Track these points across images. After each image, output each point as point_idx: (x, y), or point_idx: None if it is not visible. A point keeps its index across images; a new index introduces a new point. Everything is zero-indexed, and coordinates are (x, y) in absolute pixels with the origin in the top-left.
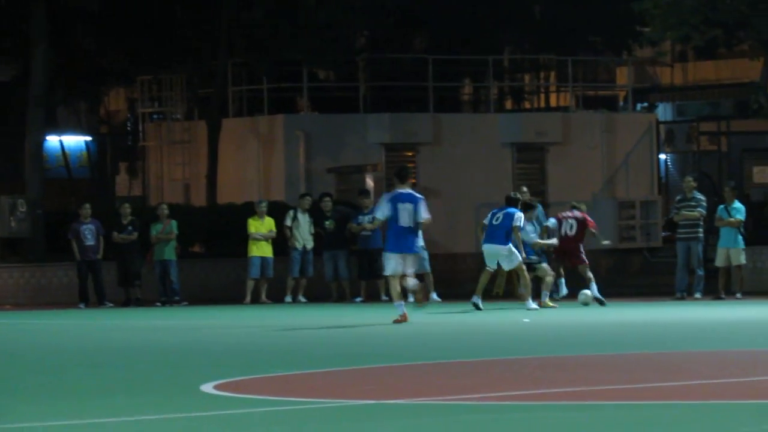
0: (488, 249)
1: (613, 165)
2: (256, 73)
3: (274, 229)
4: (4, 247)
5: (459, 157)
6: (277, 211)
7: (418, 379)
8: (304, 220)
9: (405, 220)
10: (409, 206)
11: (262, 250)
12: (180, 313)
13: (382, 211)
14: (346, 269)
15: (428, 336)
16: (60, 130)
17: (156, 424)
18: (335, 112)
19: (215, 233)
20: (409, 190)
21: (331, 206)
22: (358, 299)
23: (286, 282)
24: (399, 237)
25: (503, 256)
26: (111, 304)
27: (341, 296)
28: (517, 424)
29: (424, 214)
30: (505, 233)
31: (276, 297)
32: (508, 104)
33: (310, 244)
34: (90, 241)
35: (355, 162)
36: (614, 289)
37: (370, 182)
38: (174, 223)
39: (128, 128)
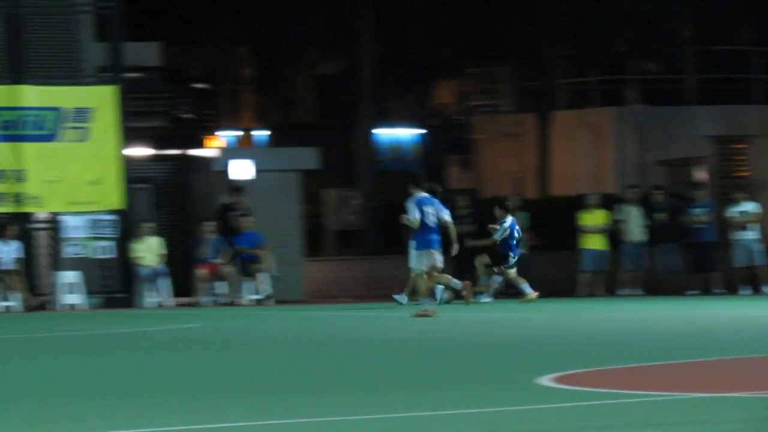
0: None
1: None
2: (584, 65)
3: (606, 222)
4: (337, 239)
5: None
6: (610, 203)
7: (750, 373)
8: (635, 213)
9: (430, 220)
10: (431, 208)
11: (594, 242)
12: (516, 307)
13: (414, 214)
14: (679, 262)
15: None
16: (390, 122)
17: (489, 417)
18: (663, 104)
19: (548, 225)
20: (427, 195)
21: (663, 198)
22: (692, 292)
23: (618, 274)
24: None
25: None
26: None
27: (675, 289)
28: None
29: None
30: None
31: (610, 289)
32: None
33: (641, 237)
34: None
35: (684, 154)
36: None
37: (701, 174)
38: (524, 215)
39: (458, 121)
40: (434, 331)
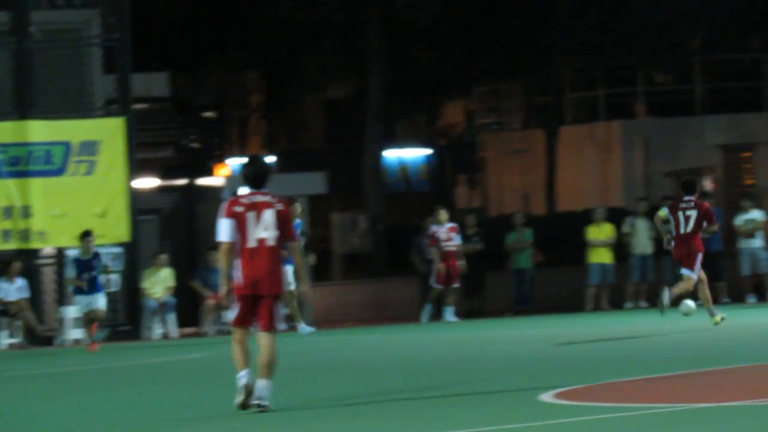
0: None
1: None
2: (592, 79)
3: (612, 236)
4: (345, 263)
5: None
6: (617, 216)
7: (757, 381)
8: (642, 225)
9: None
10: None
11: (601, 256)
12: (521, 324)
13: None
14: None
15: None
16: (398, 144)
17: None
18: (671, 115)
19: (555, 241)
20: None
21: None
22: (696, 303)
23: (626, 287)
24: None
25: None
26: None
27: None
28: None
29: None
30: None
31: (617, 303)
32: None
33: (649, 250)
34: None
35: (691, 165)
36: None
37: (708, 185)
38: (529, 231)
39: (466, 140)
40: (438, 352)
